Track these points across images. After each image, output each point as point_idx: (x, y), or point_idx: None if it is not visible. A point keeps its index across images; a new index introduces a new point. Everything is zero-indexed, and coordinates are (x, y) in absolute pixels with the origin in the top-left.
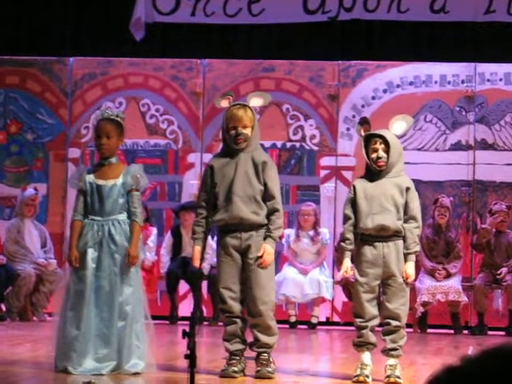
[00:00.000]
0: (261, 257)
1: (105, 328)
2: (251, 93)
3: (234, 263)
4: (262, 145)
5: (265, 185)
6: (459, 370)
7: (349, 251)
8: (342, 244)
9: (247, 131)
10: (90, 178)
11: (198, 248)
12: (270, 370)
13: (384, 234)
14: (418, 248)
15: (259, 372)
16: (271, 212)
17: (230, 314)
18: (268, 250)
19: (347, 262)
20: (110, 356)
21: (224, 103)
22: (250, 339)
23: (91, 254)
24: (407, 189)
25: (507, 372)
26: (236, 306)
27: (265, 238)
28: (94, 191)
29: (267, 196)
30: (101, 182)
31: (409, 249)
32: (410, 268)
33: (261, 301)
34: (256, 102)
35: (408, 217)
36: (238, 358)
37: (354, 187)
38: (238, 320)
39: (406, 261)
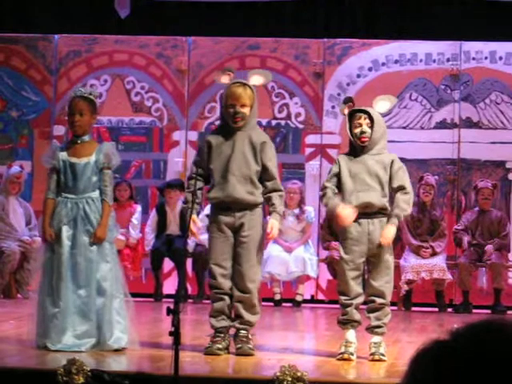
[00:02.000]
0: (268, 233)
1: (83, 305)
2: (252, 70)
3: (225, 239)
4: None
5: (264, 165)
6: (448, 344)
7: (337, 199)
8: (325, 194)
9: (245, 110)
10: (63, 155)
11: (194, 217)
12: (250, 346)
13: (369, 211)
14: (402, 213)
15: (241, 349)
16: (273, 191)
17: (219, 291)
18: (275, 224)
19: (342, 206)
20: (90, 333)
21: (224, 79)
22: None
23: (66, 231)
24: (392, 162)
25: (495, 345)
26: (225, 283)
27: (270, 214)
28: (68, 169)
29: (267, 176)
30: (74, 159)
31: (392, 211)
32: (388, 230)
33: (249, 278)
34: (257, 79)
35: (397, 187)
36: (222, 335)
37: (339, 163)
38: (226, 297)
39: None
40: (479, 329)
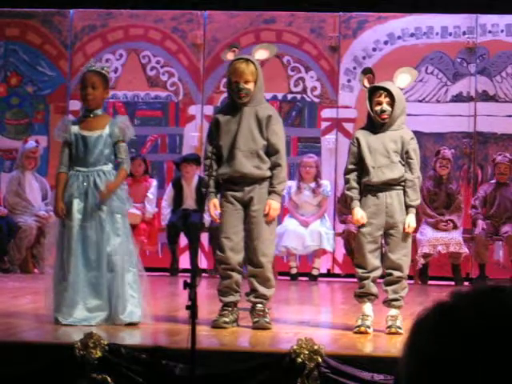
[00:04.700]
0: (267, 214)
1: (93, 278)
2: (256, 45)
3: (235, 213)
4: None
5: (267, 139)
6: (449, 304)
7: (357, 200)
8: (349, 193)
9: (249, 86)
10: (75, 129)
11: (215, 201)
12: (267, 320)
13: (388, 185)
14: (419, 201)
15: (258, 322)
16: (274, 166)
17: (227, 266)
18: (273, 205)
19: (359, 211)
20: (101, 306)
21: (230, 56)
22: (246, 289)
23: (77, 204)
24: (411, 138)
25: (497, 306)
26: (234, 258)
27: (269, 194)
28: (79, 142)
29: (271, 150)
30: (86, 132)
31: (411, 200)
32: (411, 220)
33: (261, 252)
34: (261, 54)
35: (409, 168)
36: (230, 308)
37: (358, 140)
38: (234, 273)
39: (407, 213)
40: (481, 291)
